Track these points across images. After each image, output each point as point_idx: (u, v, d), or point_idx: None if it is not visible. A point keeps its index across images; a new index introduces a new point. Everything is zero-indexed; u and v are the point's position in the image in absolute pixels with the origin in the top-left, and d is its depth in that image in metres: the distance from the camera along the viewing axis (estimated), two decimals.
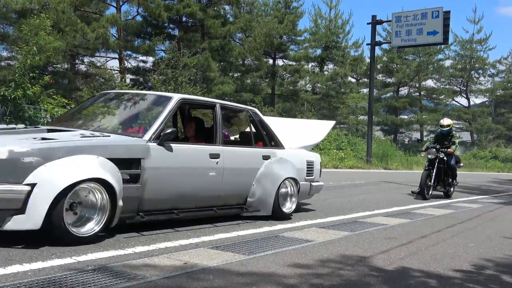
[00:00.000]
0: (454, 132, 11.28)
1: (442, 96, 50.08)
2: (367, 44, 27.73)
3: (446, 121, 11.34)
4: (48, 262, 3.52)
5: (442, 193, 11.48)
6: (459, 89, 52.38)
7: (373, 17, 26.29)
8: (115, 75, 26.72)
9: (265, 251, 4.38)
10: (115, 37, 26.31)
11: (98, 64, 28.59)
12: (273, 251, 4.43)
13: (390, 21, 26.31)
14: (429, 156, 10.76)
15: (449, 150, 10.81)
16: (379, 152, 28.09)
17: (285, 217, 6.35)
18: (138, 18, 27.88)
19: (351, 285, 3.53)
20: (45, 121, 14.07)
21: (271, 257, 4.20)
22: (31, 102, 14.02)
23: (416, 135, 48.44)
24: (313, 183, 7.19)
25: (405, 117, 47.85)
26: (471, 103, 53.21)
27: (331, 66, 42.38)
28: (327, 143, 27.36)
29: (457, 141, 11.14)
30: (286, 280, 3.51)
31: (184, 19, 29.36)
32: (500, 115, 54.19)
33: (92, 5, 25.50)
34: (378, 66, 44.26)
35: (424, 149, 11.23)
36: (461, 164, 12.48)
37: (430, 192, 10.70)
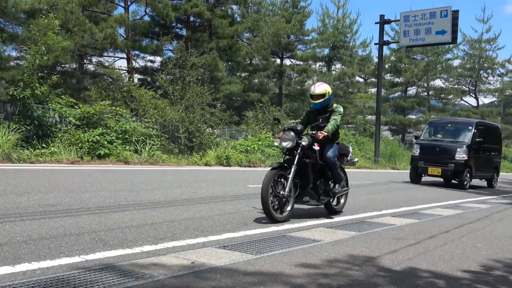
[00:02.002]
0: (335, 105, 6.91)
1: (451, 96, 49.87)
2: (375, 44, 27.65)
3: (319, 87, 6.82)
4: (56, 261, 3.54)
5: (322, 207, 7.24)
6: (467, 89, 52.13)
7: (381, 16, 26.19)
8: (123, 74, 26.84)
9: (273, 251, 4.38)
10: (123, 37, 26.43)
11: (106, 64, 28.76)
12: (281, 250, 4.42)
13: (398, 20, 26.20)
14: (284, 144, 6.29)
15: (319, 133, 6.50)
16: (387, 152, 28.00)
17: None
18: (146, 18, 28.01)
19: (358, 285, 3.52)
20: (54, 121, 14.15)
21: (279, 256, 4.20)
22: (40, 101, 14.11)
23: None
24: None
25: (413, 117, 47.68)
26: (480, 103, 53.01)
27: (338, 65, 42.35)
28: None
29: (338, 118, 6.77)
30: (293, 280, 3.51)
31: (191, 19, 29.44)
32: (509, 115, 53.90)
33: (100, 5, 25.64)
34: (386, 66, 44.13)
35: (281, 134, 6.47)
36: (355, 159, 7.69)
37: (289, 207, 6.08)
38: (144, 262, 3.69)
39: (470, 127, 15.42)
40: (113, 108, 15.63)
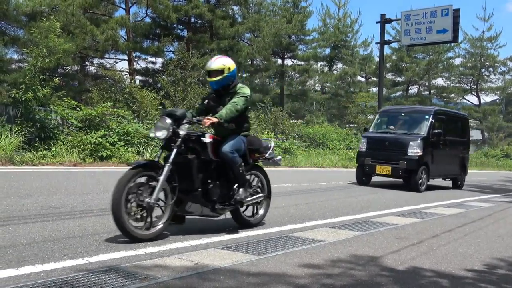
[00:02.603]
0: (240, 85, 5.48)
1: (452, 95, 49.86)
2: (376, 43, 27.70)
3: (217, 60, 5.53)
4: (60, 263, 3.55)
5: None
6: (469, 88, 52.07)
7: (382, 15, 26.20)
8: (125, 76, 26.89)
9: (276, 251, 4.38)
10: (124, 38, 26.45)
11: (108, 65, 28.80)
12: (284, 251, 4.42)
13: (399, 19, 26.21)
14: (158, 135, 4.91)
15: (205, 119, 5.12)
16: None
17: None
18: (147, 19, 28.02)
19: (362, 285, 3.52)
20: (56, 123, 14.17)
21: (282, 257, 4.20)
22: (42, 104, 14.14)
23: None
24: None
25: None
26: (482, 101, 52.96)
27: (340, 65, 42.34)
28: (337, 142, 27.31)
29: (240, 102, 5.28)
30: (297, 280, 3.51)
31: (192, 20, 29.46)
32: (511, 113, 53.78)
33: (101, 7, 25.68)
34: (388, 65, 44.12)
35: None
36: (277, 158, 5.99)
37: (162, 220, 4.70)
38: (148, 264, 3.69)
39: (426, 116, 12.73)
40: (115, 110, 15.64)
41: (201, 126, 5.35)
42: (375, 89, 43.91)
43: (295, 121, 29.15)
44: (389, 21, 27.71)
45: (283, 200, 8.46)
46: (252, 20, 31.28)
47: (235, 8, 31.75)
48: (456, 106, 50.08)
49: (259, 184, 5.82)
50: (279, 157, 6.16)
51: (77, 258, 3.73)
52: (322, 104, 39.36)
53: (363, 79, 46.48)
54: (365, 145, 12.95)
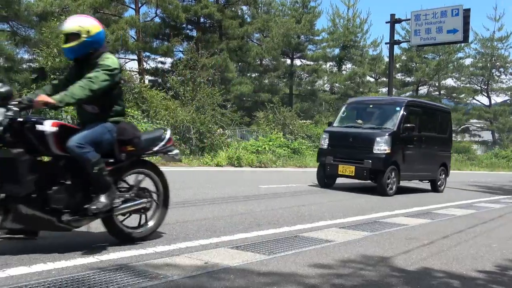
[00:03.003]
0: (105, 56, 4.26)
1: (463, 95, 49.49)
2: (386, 43, 27.52)
3: (70, 22, 4.18)
4: (71, 261, 3.57)
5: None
6: (479, 88, 51.70)
7: (392, 15, 26.07)
8: (134, 76, 26.98)
9: (285, 251, 4.38)
10: (134, 38, 26.56)
11: None
12: (293, 251, 4.42)
13: (409, 19, 26.06)
14: None
15: (38, 98, 3.93)
16: None
17: None
18: (157, 19, 28.13)
19: (372, 286, 3.51)
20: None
21: (292, 257, 4.19)
22: None
23: None
24: None
25: None
26: (492, 101, 52.50)
27: (349, 65, 42.19)
28: None
29: (101, 76, 4.06)
30: (307, 280, 3.51)
31: (202, 20, 29.50)
32: None
33: (111, 7, 25.78)
34: (397, 65, 43.93)
35: None
36: (173, 152, 4.81)
37: None
38: (158, 263, 3.70)
39: (397, 108, 10.91)
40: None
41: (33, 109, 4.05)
42: (384, 90, 43.77)
43: (304, 121, 29.10)
44: (399, 21, 27.58)
45: (292, 200, 8.46)
46: (261, 20, 31.29)
47: (244, 8, 31.80)
48: (466, 106, 49.74)
49: (152, 187, 4.60)
50: (176, 151, 4.81)
51: (88, 256, 3.75)
52: (331, 104, 39.23)
53: (372, 80, 46.31)
54: (327, 142, 11.11)
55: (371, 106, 11.89)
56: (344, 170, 10.54)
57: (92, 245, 4.10)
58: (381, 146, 10.23)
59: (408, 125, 10.64)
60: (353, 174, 10.47)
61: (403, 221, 6.75)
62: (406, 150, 10.88)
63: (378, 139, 10.27)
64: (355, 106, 12.23)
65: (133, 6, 26.80)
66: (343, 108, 12.25)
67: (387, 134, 10.31)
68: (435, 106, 13.68)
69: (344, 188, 11.28)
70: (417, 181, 12.97)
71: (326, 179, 11.25)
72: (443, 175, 12.65)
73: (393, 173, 10.42)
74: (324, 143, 11.17)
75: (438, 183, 12.42)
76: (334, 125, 11.77)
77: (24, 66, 22.18)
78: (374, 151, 10.21)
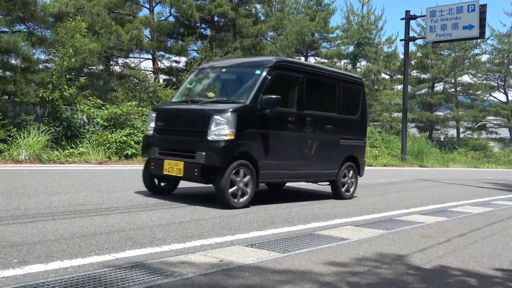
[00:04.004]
0: None
1: (479, 92, 48.90)
2: (401, 40, 27.34)
3: None
4: (87, 259, 3.60)
5: None
6: (496, 84, 51.05)
7: (407, 12, 25.91)
8: (149, 75, 27.13)
9: (300, 249, 4.37)
10: (148, 38, 26.67)
11: (132, 65, 29.10)
12: (308, 249, 4.41)
13: (424, 16, 25.90)
14: None
15: None
16: (414, 150, 27.66)
17: None
18: (171, 18, 28.18)
19: (388, 284, 3.49)
20: (82, 122, 14.39)
21: (307, 255, 4.19)
22: (68, 103, 14.37)
23: (453, 132, 47.49)
24: None
25: (441, 113, 46.94)
26: (510, 98, 51.81)
27: (364, 63, 41.90)
28: None
29: None
30: (322, 278, 3.50)
31: (216, 18, 29.52)
32: None
33: (126, 7, 25.92)
34: (412, 62, 43.58)
35: None
36: None
37: None
38: (173, 260, 3.72)
39: (257, 72, 7.19)
40: (140, 108, 15.80)
41: None
42: (399, 87, 43.39)
43: None
44: (414, 17, 27.42)
45: (306, 198, 8.44)
46: (275, 18, 31.20)
47: (258, 6, 31.73)
48: (483, 103, 49.15)
49: None
50: None
51: (104, 254, 3.78)
52: None
53: (387, 77, 45.97)
54: (153, 126, 7.41)
55: (224, 70, 8.15)
56: (171, 168, 6.83)
57: (108, 243, 4.13)
58: (220, 129, 6.57)
59: (271, 96, 6.83)
60: (181, 174, 6.70)
61: (419, 219, 6.70)
62: (273, 136, 7.13)
63: (215, 118, 6.60)
64: (206, 72, 8.28)
65: (147, 5, 26.90)
66: (191, 76, 8.48)
67: (230, 110, 6.63)
68: (334, 74, 8.98)
69: (358, 186, 11.22)
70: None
71: (159, 181, 7.58)
72: (351, 174, 8.86)
73: (241, 172, 6.69)
74: (150, 127, 7.45)
75: (342, 185, 8.62)
76: (172, 100, 8.36)
77: (41, 66, 22.41)
78: (209, 137, 6.57)
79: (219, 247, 4.26)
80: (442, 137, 47.05)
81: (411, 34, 29.27)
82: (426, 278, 3.68)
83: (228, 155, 6.58)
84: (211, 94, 7.57)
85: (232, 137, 6.57)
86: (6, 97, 17.55)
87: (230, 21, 28.88)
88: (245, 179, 6.73)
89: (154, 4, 26.53)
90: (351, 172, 8.83)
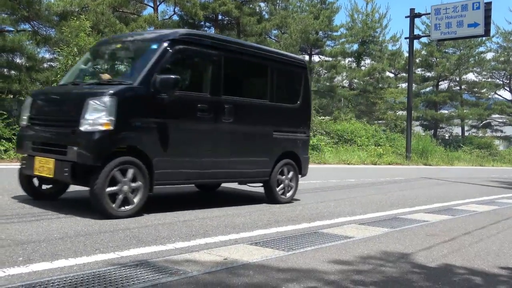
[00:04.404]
0: None
1: (484, 90, 48.70)
2: (406, 38, 27.31)
3: None
4: (92, 257, 3.61)
5: None
6: (501, 82, 50.84)
7: (411, 10, 25.86)
8: None
9: (305, 247, 4.37)
10: None
11: None
12: (313, 247, 4.41)
13: (429, 14, 25.82)
14: None
15: None
16: (419, 148, 27.60)
17: None
18: (175, 17, 28.24)
19: (393, 282, 3.48)
20: None
21: (311, 253, 4.18)
22: None
23: (457, 130, 47.36)
24: None
25: (446, 111, 46.80)
26: None
27: (368, 61, 41.83)
28: (365, 139, 27.07)
29: None
30: (326, 276, 3.49)
31: (220, 17, 29.55)
32: None
33: (130, 6, 25.94)
34: (417, 60, 43.44)
35: None
36: None
37: None
38: (178, 258, 3.73)
39: (154, 46, 5.88)
40: None
41: None
42: (404, 85, 43.32)
43: (323, 117, 28.98)
44: (419, 15, 27.34)
45: (311, 196, 8.44)
46: (279, 17, 31.19)
47: (262, 4, 31.74)
48: (488, 101, 48.96)
49: None
50: None
51: (109, 252, 3.79)
52: (350, 100, 38.99)
53: (392, 75, 45.85)
54: (27, 114, 6.03)
55: (119, 46, 6.61)
56: (41, 166, 5.48)
57: (112, 241, 4.14)
58: (95, 118, 5.19)
59: (169, 77, 5.52)
60: (52, 175, 5.35)
61: (424, 218, 6.68)
62: (174, 128, 5.79)
63: (90, 103, 5.22)
64: (103, 49, 6.80)
65: (151, 4, 26.94)
66: (86, 54, 7.11)
67: (109, 93, 5.27)
68: (265, 53, 7.32)
69: (363, 185, 11.22)
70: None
71: (40, 182, 6.16)
72: (290, 174, 7.46)
73: (129, 172, 5.33)
74: (24, 117, 6.07)
75: (277, 186, 7.22)
76: (60, 83, 6.82)
77: (45, 65, 22.47)
78: (82, 127, 5.20)
79: (224, 245, 4.27)
80: (447, 135, 46.94)
81: (416, 32, 29.18)
82: (431, 277, 3.67)
83: (104, 150, 5.20)
84: (105, 76, 6.00)
85: (110, 127, 5.18)
86: (11, 96, 17.59)
87: (234, 19, 28.89)
88: (135, 183, 5.35)
89: (158, 3, 26.56)
90: (289, 171, 7.44)
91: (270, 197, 7.25)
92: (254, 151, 6.90)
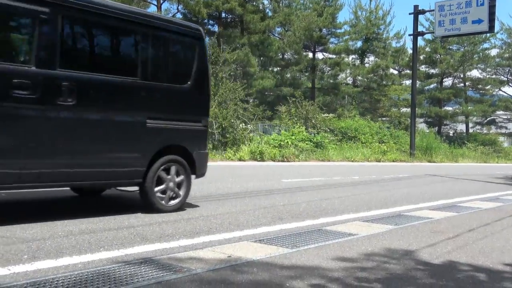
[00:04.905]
0: None
1: (488, 87, 48.53)
2: (409, 35, 27.33)
3: None
4: (96, 255, 3.62)
5: None
6: (506, 79, 50.62)
7: (415, 7, 25.79)
8: None
9: (308, 245, 4.37)
10: None
11: None
12: (317, 244, 4.41)
13: (433, 10, 25.79)
14: None
15: None
16: (423, 145, 27.56)
17: None
18: (178, 15, 28.24)
19: (397, 279, 3.48)
20: None
21: (315, 250, 4.18)
22: None
23: (462, 127, 47.22)
24: None
25: (450, 108, 46.68)
26: None
27: (372, 58, 41.81)
28: (369, 136, 27.04)
29: None
30: (330, 274, 3.49)
31: (223, 15, 29.57)
32: None
33: (133, 4, 25.97)
34: (421, 57, 43.33)
35: None
36: None
37: None
38: (182, 256, 3.73)
39: None
40: None
41: None
42: (408, 82, 43.19)
43: (327, 115, 28.97)
44: (423, 12, 27.27)
45: (315, 193, 8.44)
46: (283, 14, 31.18)
47: (265, 2, 31.81)
48: (492, 98, 48.78)
49: None
50: None
51: (113, 250, 3.80)
52: (354, 97, 39.00)
53: (395, 72, 45.76)
54: None
55: None
56: None
57: (117, 239, 4.15)
58: None
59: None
60: None
61: (428, 215, 6.67)
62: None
63: None
64: None
65: (155, 2, 27.00)
66: None
67: None
68: (135, 16, 5.47)
69: (367, 182, 11.21)
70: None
71: None
72: (180, 175, 5.83)
73: None
74: None
75: (162, 191, 5.61)
76: None
77: None
78: None
79: (228, 243, 4.27)
80: (451, 132, 46.82)
81: (420, 28, 29.10)
82: (435, 273, 3.67)
83: None
84: None
85: None
86: None
87: (238, 17, 28.90)
88: None
89: (161, 1, 26.59)
90: (177, 170, 5.76)
91: (147, 204, 5.56)
92: (115, 145, 5.20)
